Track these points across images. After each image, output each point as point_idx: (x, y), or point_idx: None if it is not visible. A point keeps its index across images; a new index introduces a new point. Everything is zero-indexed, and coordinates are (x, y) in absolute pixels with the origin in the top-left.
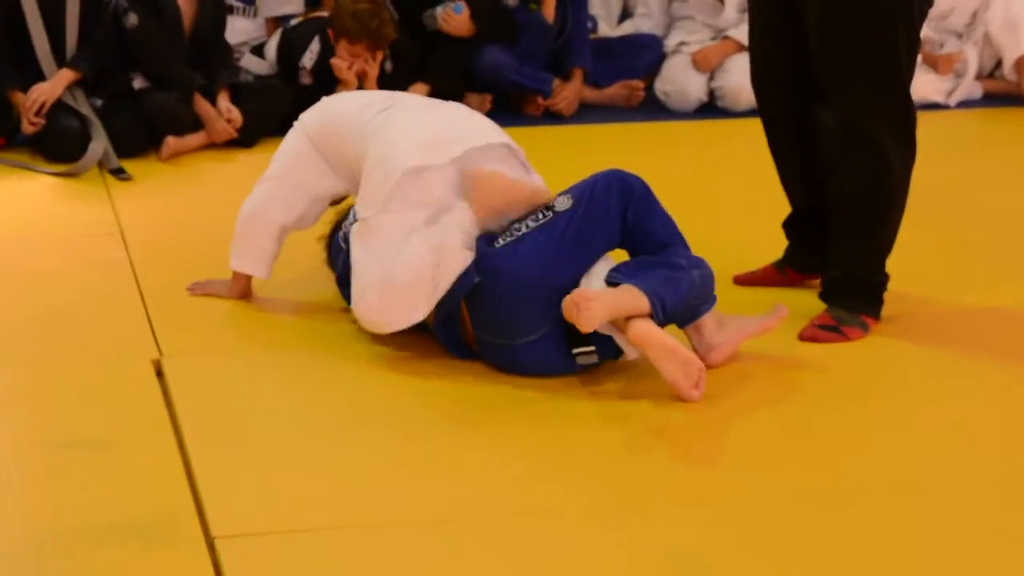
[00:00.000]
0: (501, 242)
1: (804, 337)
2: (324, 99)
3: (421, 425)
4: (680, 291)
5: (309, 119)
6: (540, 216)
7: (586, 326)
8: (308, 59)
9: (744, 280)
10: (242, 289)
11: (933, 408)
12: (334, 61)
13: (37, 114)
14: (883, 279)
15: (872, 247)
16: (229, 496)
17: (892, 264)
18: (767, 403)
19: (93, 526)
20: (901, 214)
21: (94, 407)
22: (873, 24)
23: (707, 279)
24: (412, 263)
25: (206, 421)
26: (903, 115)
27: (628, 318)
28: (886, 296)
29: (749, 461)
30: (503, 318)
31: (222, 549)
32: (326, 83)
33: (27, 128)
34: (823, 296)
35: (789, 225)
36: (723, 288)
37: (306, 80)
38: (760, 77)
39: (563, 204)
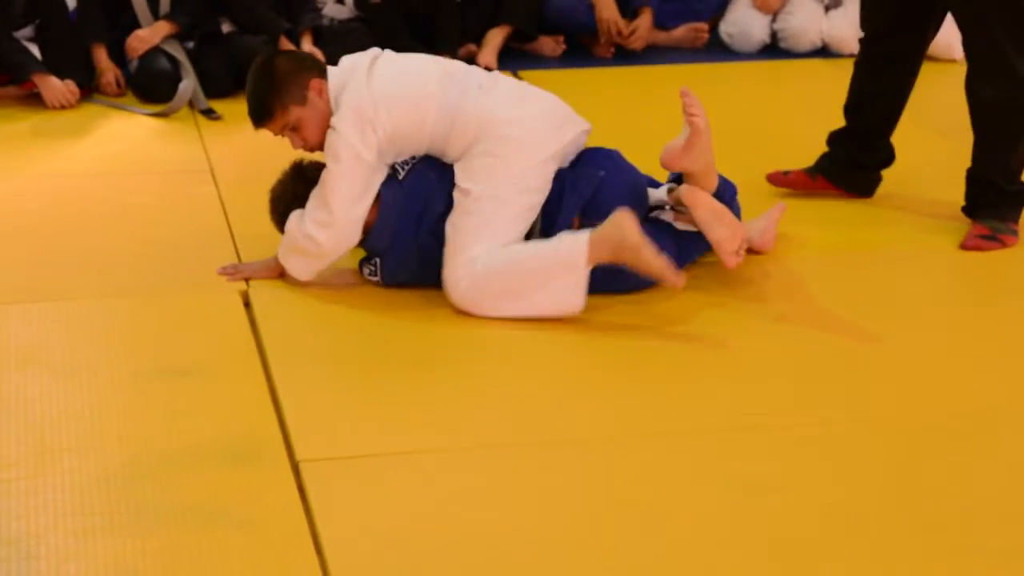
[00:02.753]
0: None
1: (967, 247)
2: (357, 97)
3: (484, 361)
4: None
5: (355, 143)
6: None
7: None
8: None
9: (776, 179)
10: (281, 271)
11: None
12: None
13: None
14: (1022, 187)
15: (1012, 158)
16: (313, 422)
17: None
18: (829, 324)
19: (183, 450)
20: None
21: (185, 336)
22: None
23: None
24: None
25: (291, 350)
26: None
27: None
28: None
29: (811, 382)
30: None
31: (306, 472)
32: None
33: (107, 87)
34: (968, 210)
35: (836, 138)
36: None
37: None
38: (872, 33)
39: None
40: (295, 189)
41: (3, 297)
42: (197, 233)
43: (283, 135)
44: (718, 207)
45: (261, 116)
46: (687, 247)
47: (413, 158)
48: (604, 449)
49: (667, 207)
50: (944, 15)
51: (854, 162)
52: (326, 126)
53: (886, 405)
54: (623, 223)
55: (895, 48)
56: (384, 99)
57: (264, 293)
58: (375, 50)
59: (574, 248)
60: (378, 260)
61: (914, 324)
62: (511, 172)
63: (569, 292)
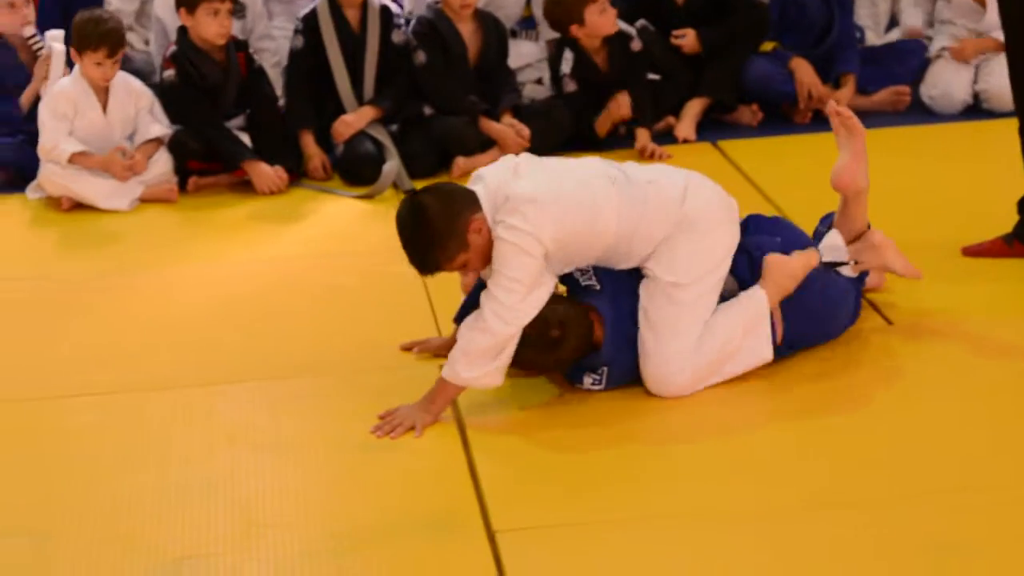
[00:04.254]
0: None
1: None
2: (524, 211)
3: (678, 432)
4: None
5: (541, 234)
6: None
7: None
8: (566, 65)
9: (973, 251)
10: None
11: None
12: None
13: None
14: None
15: None
16: (509, 492)
17: None
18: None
19: (384, 523)
20: None
21: (386, 410)
22: None
23: None
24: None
25: (488, 421)
26: None
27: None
28: None
29: (988, 449)
30: None
31: (502, 542)
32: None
33: (314, 172)
34: None
35: None
36: (953, 258)
37: (570, 87)
38: (1019, 67)
39: None
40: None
41: (214, 377)
42: (400, 312)
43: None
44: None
45: (428, 270)
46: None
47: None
48: (807, 520)
49: (851, 263)
50: None
51: None
52: (489, 254)
53: None
54: (785, 262)
55: None
56: (554, 204)
57: None
58: (510, 157)
59: (757, 300)
60: (605, 369)
61: None
62: (715, 258)
63: (762, 344)
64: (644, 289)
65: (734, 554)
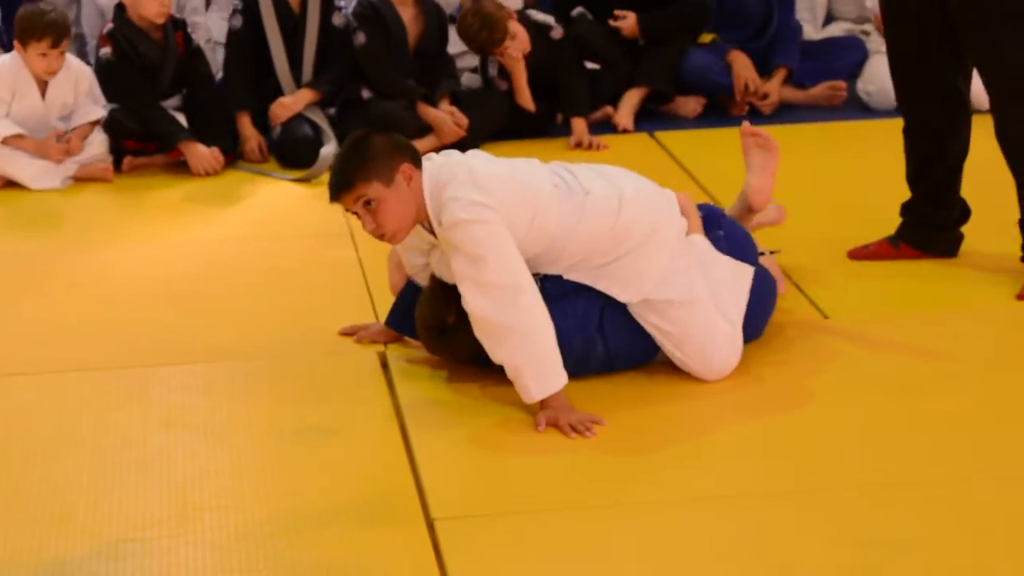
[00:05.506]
0: None
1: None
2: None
3: (623, 418)
4: None
5: (490, 201)
6: None
7: None
8: (493, 68)
9: (859, 255)
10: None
11: None
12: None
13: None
14: None
15: None
16: (448, 480)
17: None
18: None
19: (321, 508)
20: None
21: (324, 397)
22: None
23: None
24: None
25: (427, 409)
26: None
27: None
28: None
29: (929, 443)
30: None
31: (441, 530)
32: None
33: (251, 154)
34: None
35: (909, 208)
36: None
37: (503, 87)
38: (899, 61)
39: None
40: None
41: (151, 359)
42: (337, 296)
43: (355, 212)
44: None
45: (340, 187)
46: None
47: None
48: (740, 507)
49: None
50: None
51: (931, 224)
52: (407, 217)
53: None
54: None
55: (936, 110)
56: (501, 196)
57: (401, 354)
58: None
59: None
60: None
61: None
62: (679, 258)
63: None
64: (643, 317)
65: (673, 542)
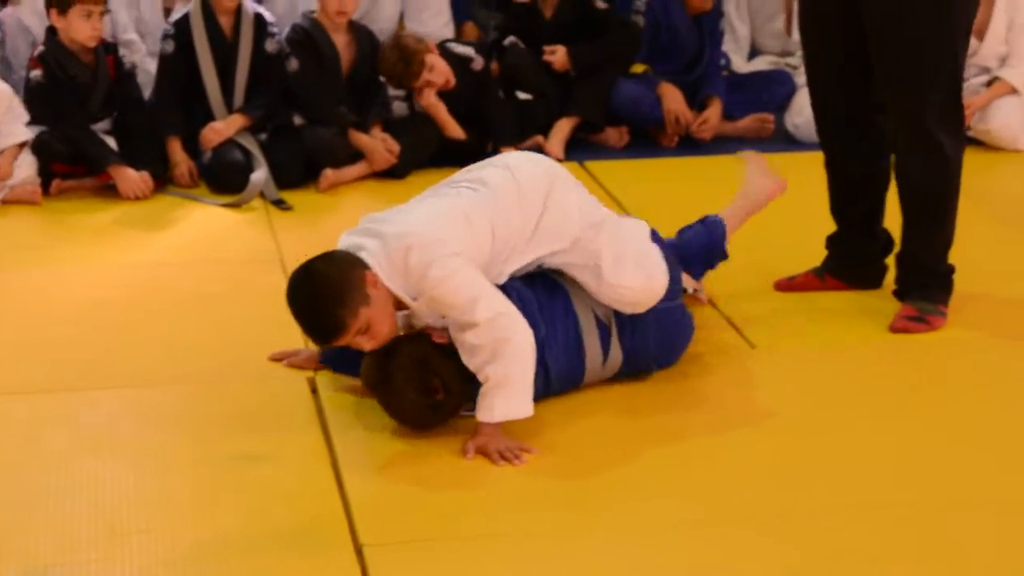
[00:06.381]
0: None
1: (895, 329)
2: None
3: (553, 442)
4: None
5: (447, 241)
6: None
7: None
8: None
9: (784, 286)
10: None
11: None
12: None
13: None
14: (951, 268)
15: (940, 237)
16: (377, 506)
17: (1002, 286)
18: (880, 410)
19: (251, 534)
20: (957, 203)
21: (253, 423)
22: (935, 32)
23: None
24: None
25: (356, 435)
26: (956, 114)
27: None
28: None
29: (856, 471)
30: None
31: (369, 556)
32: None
33: (181, 179)
34: (899, 292)
35: (834, 240)
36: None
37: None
38: (820, 99)
39: None
40: (430, 362)
41: (78, 383)
42: (267, 322)
43: (353, 343)
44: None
45: (334, 333)
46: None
47: None
48: (672, 535)
49: (691, 290)
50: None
51: (856, 257)
52: (393, 317)
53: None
54: None
55: (856, 145)
56: (449, 235)
57: (331, 381)
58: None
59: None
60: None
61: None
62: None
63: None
64: (581, 264)
65: (605, 570)
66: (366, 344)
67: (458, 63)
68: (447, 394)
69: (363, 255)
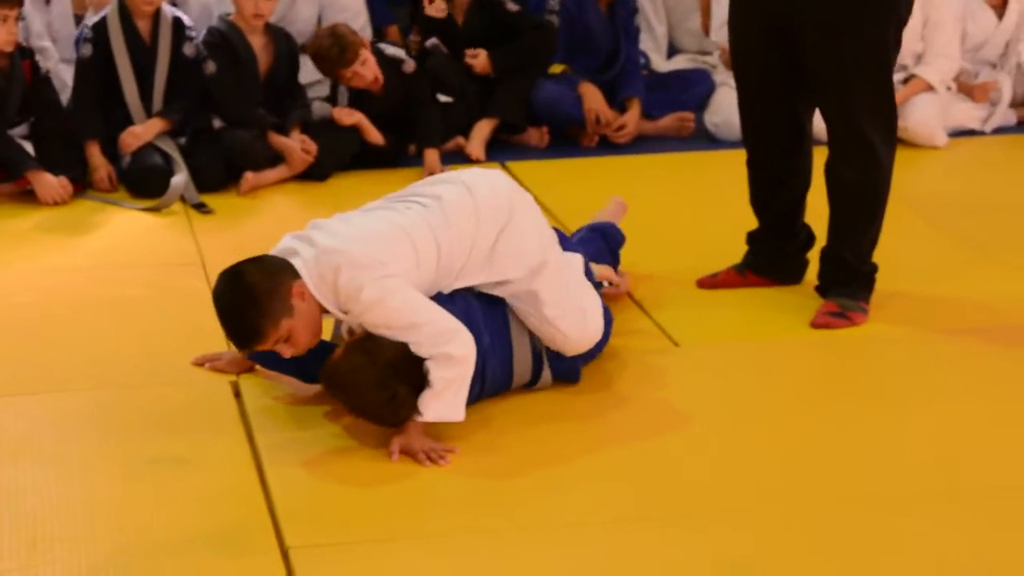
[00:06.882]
0: None
1: (817, 324)
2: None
3: (479, 444)
4: None
5: (384, 264)
6: None
7: None
8: (343, 99)
9: (707, 283)
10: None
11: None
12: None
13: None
14: (874, 267)
15: (867, 238)
16: (302, 508)
17: (923, 282)
18: (789, 406)
19: (174, 538)
20: (885, 207)
21: (176, 427)
22: (868, 40)
23: None
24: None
25: (280, 438)
26: (890, 118)
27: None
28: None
29: (780, 466)
30: None
31: (295, 558)
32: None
33: (100, 184)
34: (821, 288)
35: (755, 237)
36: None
37: (347, 120)
38: (745, 97)
39: None
40: (388, 361)
41: None
42: (188, 326)
43: (273, 349)
44: None
45: (253, 339)
46: None
47: None
48: (597, 533)
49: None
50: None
51: (776, 253)
52: (317, 327)
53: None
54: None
55: (778, 144)
56: (386, 256)
57: (254, 384)
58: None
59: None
60: None
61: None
62: (538, 232)
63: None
64: (524, 301)
65: (529, 569)
66: (286, 351)
67: (389, 64)
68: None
69: (296, 262)
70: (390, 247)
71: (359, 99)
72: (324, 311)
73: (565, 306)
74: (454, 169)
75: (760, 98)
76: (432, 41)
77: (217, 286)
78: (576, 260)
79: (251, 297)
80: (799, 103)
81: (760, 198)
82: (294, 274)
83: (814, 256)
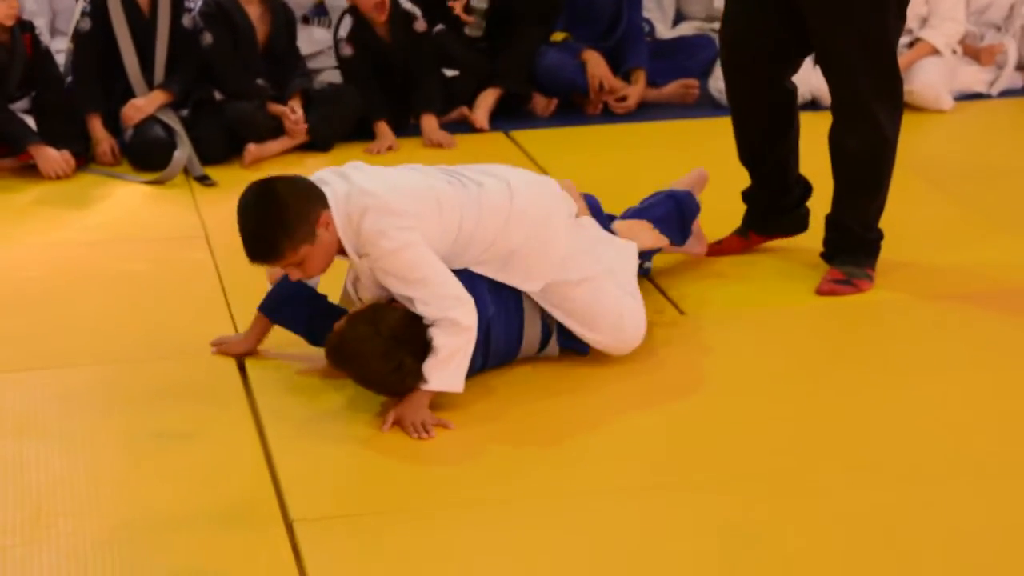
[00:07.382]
0: None
1: (822, 292)
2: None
3: (472, 422)
4: None
5: (405, 218)
6: None
7: None
8: (343, 30)
9: (714, 251)
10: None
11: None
12: None
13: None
14: (880, 234)
15: (872, 206)
16: (306, 482)
17: (929, 248)
18: (790, 377)
19: (181, 512)
20: (891, 175)
21: (181, 401)
22: (871, 11)
23: None
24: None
25: (285, 412)
26: (894, 87)
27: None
28: None
29: (787, 434)
30: None
31: (300, 531)
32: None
33: (102, 157)
34: (827, 255)
35: (750, 194)
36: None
37: (346, 51)
38: (733, 59)
39: None
40: (392, 331)
41: (1, 365)
42: (192, 299)
43: (282, 268)
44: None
45: (268, 255)
46: None
47: None
48: (601, 502)
49: None
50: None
51: (772, 208)
52: (330, 259)
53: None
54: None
55: (764, 107)
56: (413, 210)
57: (259, 359)
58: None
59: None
60: None
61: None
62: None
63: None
64: (552, 304)
65: (532, 539)
66: (294, 274)
67: (401, 17)
68: (413, 356)
69: (327, 191)
70: (420, 204)
71: (361, 31)
72: (341, 251)
73: (596, 318)
74: (458, 138)
75: (747, 59)
76: (439, 27)
77: (246, 196)
78: (629, 250)
79: (281, 216)
80: (787, 67)
81: (747, 155)
82: (325, 203)
83: (819, 223)
